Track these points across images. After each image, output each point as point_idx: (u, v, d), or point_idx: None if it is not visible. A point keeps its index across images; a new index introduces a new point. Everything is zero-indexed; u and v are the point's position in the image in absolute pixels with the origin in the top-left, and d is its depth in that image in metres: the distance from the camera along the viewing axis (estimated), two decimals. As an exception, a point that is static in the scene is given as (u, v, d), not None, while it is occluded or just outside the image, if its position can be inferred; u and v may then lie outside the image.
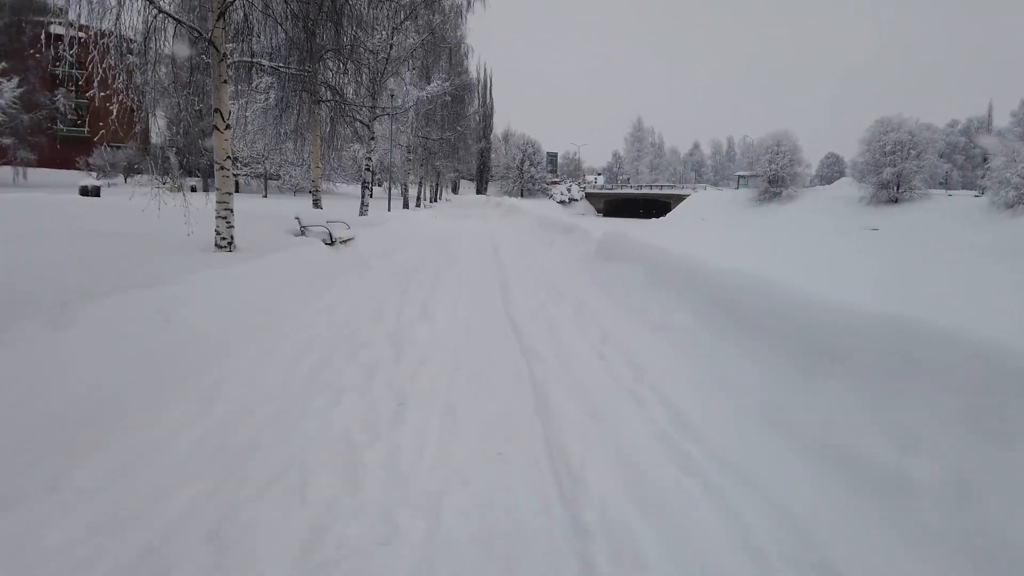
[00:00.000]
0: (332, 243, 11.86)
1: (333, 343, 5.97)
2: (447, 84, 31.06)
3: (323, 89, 15.91)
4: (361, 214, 21.48)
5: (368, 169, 21.65)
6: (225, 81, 10.10)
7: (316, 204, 16.16)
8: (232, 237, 10.03)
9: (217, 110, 10.06)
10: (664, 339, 6.38)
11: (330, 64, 15.62)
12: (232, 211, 10.19)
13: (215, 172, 10.41)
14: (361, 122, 20.88)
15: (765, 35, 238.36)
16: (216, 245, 9.89)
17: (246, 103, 14.92)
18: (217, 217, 10.03)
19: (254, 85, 14.45)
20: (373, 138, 21.44)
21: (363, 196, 21.65)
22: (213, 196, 10.49)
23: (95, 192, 31.07)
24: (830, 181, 72.20)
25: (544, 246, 16.08)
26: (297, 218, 11.88)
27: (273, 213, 18.66)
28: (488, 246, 16.45)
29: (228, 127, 10.22)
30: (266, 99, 15.50)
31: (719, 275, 6.79)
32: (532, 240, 18.02)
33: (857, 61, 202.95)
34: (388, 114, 22.90)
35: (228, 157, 10.32)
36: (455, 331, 6.79)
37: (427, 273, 10.79)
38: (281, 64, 12.82)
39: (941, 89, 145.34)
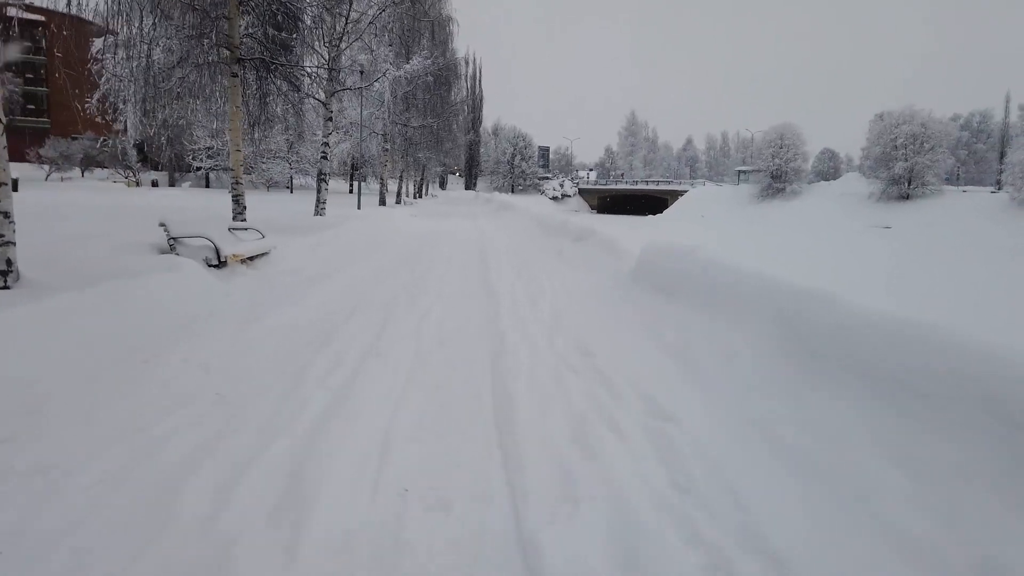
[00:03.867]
0: (220, 264, 7.20)
1: None
2: (429, 63, 26.31)
3: (245, 42, 11.19)
4: (317, 213, 16.76)
5: (325, 157, 16.88)
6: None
7: (237, 201, 11.44)
8: (9, 262, 5.42)
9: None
10: None
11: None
12: (8, 215, 5.57)
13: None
14: (316, 98, 16.14)
15: (755, 31, 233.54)
16: (-23, 275, 5.28)
17: (126, 57, 10.14)
18: (-27, 226, 5.43)
19: (138, 30, 9.67)
20: (331, 119, 16.67)
21: (319, 191, 16.87)
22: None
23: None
24: (826, 177, 68.11)
25: (551, 258, 11.44)
26: (162, 225, 7.18)
27: (191, 210, 13.76)
28: (475, 258, 11.81)
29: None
30: (165, 53, 10.77)
31: None
32: (532, 248, 13.35)
33: (847, 57, 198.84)
34: (351, 89, 18.13)
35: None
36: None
37: (365, 323, 6.12)
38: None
39: (932, 84, 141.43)
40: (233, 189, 11.46)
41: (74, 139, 41.49)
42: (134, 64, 9.89)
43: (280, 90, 12.44)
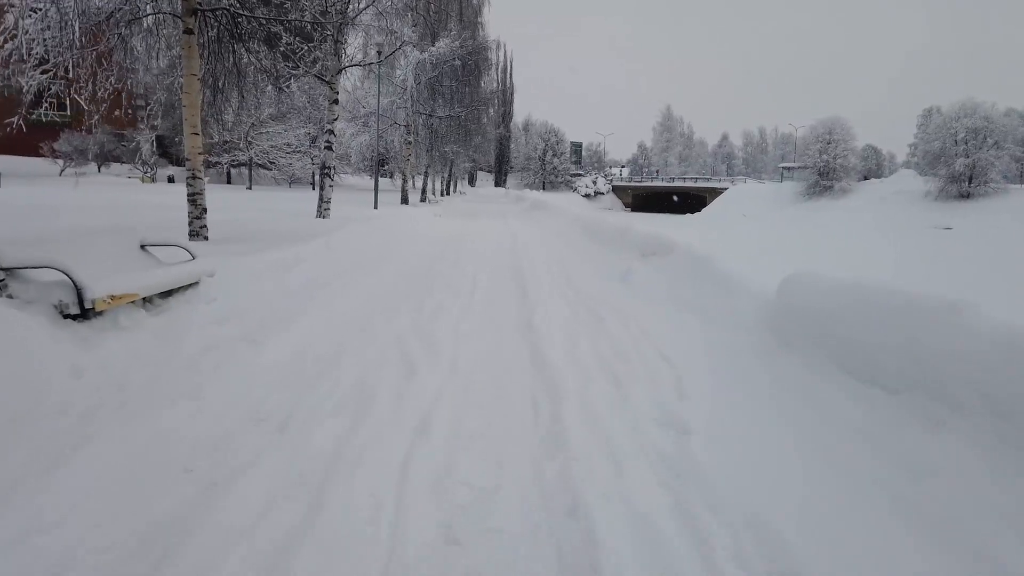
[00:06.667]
0: (84, 313, 4.13)
1: None
2: (457, 45, 23.21)
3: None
4: (320, 215, 13.76)
5: (329, 148, 13.84)
6: None
7: (193, 203, 8.43)
8: None
9: None
10: None
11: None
12: None
13: None
14: (316, 75, 13.11)
15: (794, 26, 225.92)
16: None
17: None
18: None
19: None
20: (337, 101, 13.62)
21: (322, 188, 13.86)
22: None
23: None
24: (867, 175, 63.54)
25: (615, 286, 8.14)
26: (-16, 247, 4.15)
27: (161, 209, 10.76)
28: (508, 282, 8.64)
29: None
30: None
31: None
32: (583, 266, 10.10)
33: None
34: (362, 65, 15.09)
35: None
36: None
37: (300, 460, 2.99)
38: None
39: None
40: (189, 186, 8.44)
41: (88, 133, 39.14)
42: (41, 18, 6.94)
43: (258, 58, 9.38)
